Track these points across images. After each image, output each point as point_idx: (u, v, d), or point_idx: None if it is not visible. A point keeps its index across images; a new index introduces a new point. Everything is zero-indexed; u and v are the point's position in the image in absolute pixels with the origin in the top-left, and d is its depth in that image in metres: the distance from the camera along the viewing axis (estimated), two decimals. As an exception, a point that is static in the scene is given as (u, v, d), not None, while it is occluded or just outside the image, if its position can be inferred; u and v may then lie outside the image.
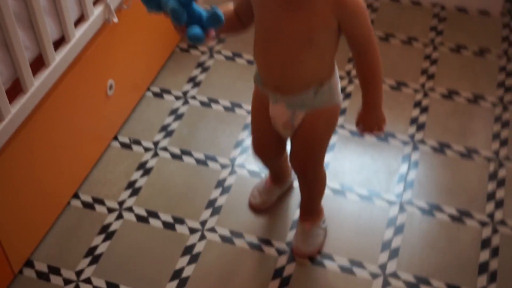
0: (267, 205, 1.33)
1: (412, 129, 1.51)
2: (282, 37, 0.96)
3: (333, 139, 1.48)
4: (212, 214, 1.33)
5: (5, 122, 1.04)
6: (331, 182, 1.38)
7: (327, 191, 1.29)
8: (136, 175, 1.41)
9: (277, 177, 1.32)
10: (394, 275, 1.21)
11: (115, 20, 1.30)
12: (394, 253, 1.25)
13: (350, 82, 1.64)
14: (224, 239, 1.28)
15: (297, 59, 0.98)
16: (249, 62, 1.71)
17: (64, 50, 1.18)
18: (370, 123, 1.05)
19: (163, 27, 1.52)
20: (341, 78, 1.65)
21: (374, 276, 1.21)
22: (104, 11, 1.28)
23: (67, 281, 1.22)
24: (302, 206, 1.25)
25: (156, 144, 1.47)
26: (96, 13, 1.26)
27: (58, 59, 1.16)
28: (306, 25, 0.94)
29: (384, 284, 1.19)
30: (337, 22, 0.95)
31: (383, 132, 1.08)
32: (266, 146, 1.17)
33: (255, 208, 1.34)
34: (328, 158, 1.43)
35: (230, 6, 1.02)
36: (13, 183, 1.12)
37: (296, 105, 1.04)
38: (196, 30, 0.87)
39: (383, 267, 1.22)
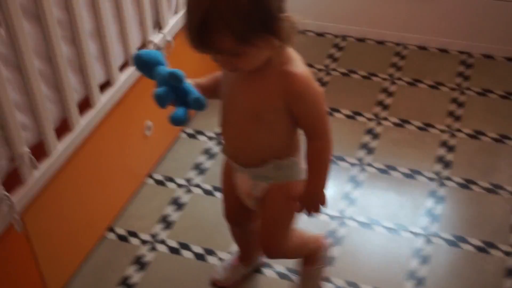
0: (229, 282, 1.30)
1: (438, 167, 1.56)
2: (236, 110, 0.98)
3: (362, 176, 1.54)
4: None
5: (53, 157, 1.13)
6: (359, 216, 1.43)
7: (353, 224, 1.34)
8: (169, 209, 1.48)
9: (244, 255, 1.29)
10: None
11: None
12: (420, 282, 1.27)
13: (379, 124, 1.72)
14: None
15: (248, 133, 0.99)
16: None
17: (109, 92, 1.29)
18: (307, 204, 1.03)
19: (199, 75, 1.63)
20: (369, 119, 1.76)
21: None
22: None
23: None
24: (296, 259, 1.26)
25: (188, 180, 1.54)
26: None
27: (103, 100, 1.26)
28: (254, 102, 0.94)
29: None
30: (284, 104, 0.93)
31: (319, 212, 1.05)
32: (233, 211, 1.16)
33: (217, 284, 1.31)
34: (357, 193, 1.49)
35: (217, 73, 1.03)
36: (56, 215, 1.20)
37: (258, 177, 1.03)
38: (179, 113, 0.90)
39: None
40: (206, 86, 1.00)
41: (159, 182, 1.55)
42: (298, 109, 0.94)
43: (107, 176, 1.37)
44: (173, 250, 1.38)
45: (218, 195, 1.50)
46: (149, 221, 1.45)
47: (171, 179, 1.56)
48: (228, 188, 1.12)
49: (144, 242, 1.40)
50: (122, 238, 1.42)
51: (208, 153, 1.64)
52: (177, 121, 0.90)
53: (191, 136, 1.71)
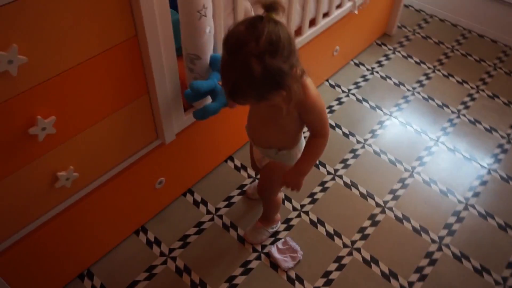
0: (254, 197, 1.90)
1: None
2: (259, 115, 1.37)
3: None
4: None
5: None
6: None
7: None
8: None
9: None
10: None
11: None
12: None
13: (509, 142, 2.20)
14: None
15: (263, 130, 1.40)
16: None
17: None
18: (289, 180, 1.39)
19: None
20: (502, 137, 2.21)
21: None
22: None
23: None
24: (263, 211, 1.78)
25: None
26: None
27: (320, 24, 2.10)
28: (277, 113, 1.27)
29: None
30: (297, 113, 1.27)
31: (295, 189, 1.41)
32: (254, 165, 1.71)
33: (247, 195, 1.92)
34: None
35: None
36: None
37: (264, 154, 1.48)
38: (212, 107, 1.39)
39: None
40: None
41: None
42: (307, 118, 1.29)
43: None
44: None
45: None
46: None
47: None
48: (251, 153, 1.66)
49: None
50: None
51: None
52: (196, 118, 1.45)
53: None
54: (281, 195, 1.72)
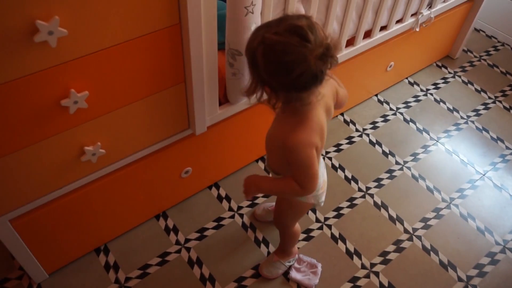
0: (263, 219, 1.80)
1: None
2: (268, 134, 1.28)
3: None
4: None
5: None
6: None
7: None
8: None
9: None
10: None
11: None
12: None
13: None
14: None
15: (267, 154, 1.32)
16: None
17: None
18: (247, 182, 1.28)
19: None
20: None
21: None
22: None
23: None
24: (279, 243, 1.66)
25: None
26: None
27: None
28: (269, 140, 1.26)
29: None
30: (283, 151, 1.17)
31: (246, 196, 1.30)
32: None
33: (255, 216, 1.82)
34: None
35: None
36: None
37: (274, 176, 1.35)
38: None
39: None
40: None
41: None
42: (289, 163, 1.18)
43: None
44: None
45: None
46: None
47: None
48: None
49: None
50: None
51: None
52: None
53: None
54: (298, 228, 1.60)
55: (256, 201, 1.89)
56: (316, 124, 1.13)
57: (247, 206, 1.87)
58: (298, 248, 1.76)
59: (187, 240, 1.75)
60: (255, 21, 1.35)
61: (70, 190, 1.39)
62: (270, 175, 1.38)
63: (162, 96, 1.35)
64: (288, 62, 0.99)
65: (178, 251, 1.72)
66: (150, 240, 1.74)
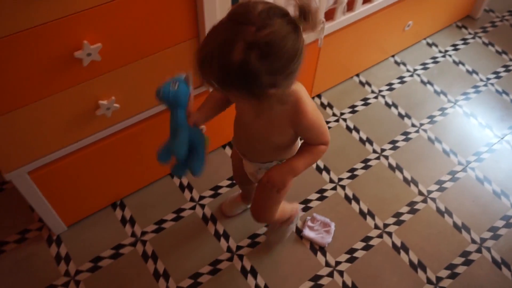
0: (231, 213, 1.71)
1: None
2: (249, 132, 1.17)
3: None
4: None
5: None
6: None
7: None
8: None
9: (245, 197, 1.68)
10: None
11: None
12: None
13: None
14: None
15: (257, 148, 1.21)
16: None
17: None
18: (277, 177, 1.12)
19: None
20: None
21: None
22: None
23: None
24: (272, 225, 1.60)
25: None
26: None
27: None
28: (267, 131, 1.13)
29: None
30: (293, 130, 1.11)
31: (276, 189, 1.14)
32: (239, 177, 1.51)
33: (222, 212, 1.72)
34: None
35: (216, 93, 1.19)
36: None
37: (262, 167, 1.26)
38: (178, 171, 1.13)
39: None
40: (208, 113, 1.18)
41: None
42: (305, 135, 1.13)
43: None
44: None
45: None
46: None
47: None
48: (236, 162, 1.44)
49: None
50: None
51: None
52: (177, 175, 1.16)
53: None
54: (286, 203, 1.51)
55: (219, 191, 1.81)
56: (305, 90, 1.10)
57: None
58: (312, 207, 1.77)
59: (201, 197, 1.77)
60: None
61: (87, 144, 1.40)
62: (260, 170, 1.28)
63: (175, 51, 1.34)
64: (292, 47, 0.89)
65: (193, 208, 1.74)
66: (165, 196, 1.77)
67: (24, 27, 1.02)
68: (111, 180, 1.61)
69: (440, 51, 2.36)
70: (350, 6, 1.80)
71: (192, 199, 1.77)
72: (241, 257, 1.63)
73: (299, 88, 1.06)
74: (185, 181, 1.81)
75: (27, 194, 1.39)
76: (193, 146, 1.10)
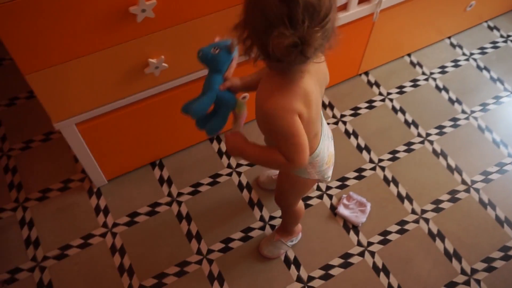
0: (266, 187, 1.70)
1: None
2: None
3: None
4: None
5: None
6: None
7: None
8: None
9: None
10: None
11: None
12: None
13: None
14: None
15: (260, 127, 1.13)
16: None
17: None
18: (231, 141, 1.10)
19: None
20: None
21: None
22: None
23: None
24: (281, 221, 1.57)
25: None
26: None
27: None
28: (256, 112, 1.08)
29: None
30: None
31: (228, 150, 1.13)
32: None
33: (258, 183, 1.72)
34: None
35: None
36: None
37: None
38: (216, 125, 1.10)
39: None
40: (247, 84, 1.15)
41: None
42: (265, 130, 1.08)
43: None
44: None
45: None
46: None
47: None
48: None
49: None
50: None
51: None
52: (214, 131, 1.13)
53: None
54: (302, 205, 1.48)
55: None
56: (300, 88, 0.97)
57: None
58: (349, 186, 1.75)
59: (238, 165, 1.78)
60: None
61: (133, 102, 1.42)
62: None
63: (230, 13, 1.31)
64: (259, 24, 0.84)
65: (229, 174, 1.75)
66: (203, 160, 1.78)
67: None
68: (152, 139, 1.63)
69: (501, 36, 2.22)
70: (411, -20, 1.72)
71: (229, 166, 1.77)
72: (272, 227, 1.64)
73: (294, 81, 0.96)
74: (224, 147, 1.81)
75: (74, 144, 1.43)
76: (219, 107, 1.10)
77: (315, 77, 1.02)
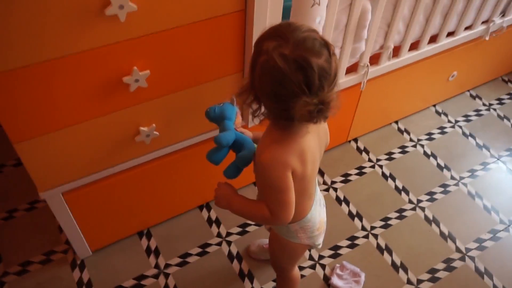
0: (257, 256, 1.65)
1: None
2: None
3: None
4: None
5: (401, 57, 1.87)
6: None
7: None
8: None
9: None
10: None
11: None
12: None
13: None
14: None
15: (259, 188, 1.19)
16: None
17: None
18: (219, 193, 1.12)
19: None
20: None
21: None
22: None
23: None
24: (276, 286, 1.54)
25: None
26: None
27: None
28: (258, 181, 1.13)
29: None
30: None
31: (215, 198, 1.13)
32: None
33: (248, 252, 1.67)
34: None
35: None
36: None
37: None
38: (229, 171, 1.13)
39: None
40: (256, 135, 1.21)
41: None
42: (258, 182, 1.12)
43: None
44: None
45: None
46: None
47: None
48: None
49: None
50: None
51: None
52: (228, 177, 1.14)
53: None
54: (297, 273, 1.43)
55: (247, 229, 1.76)
56: (297, 144, 1.00)
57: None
58: (342, 254, 1.70)
59: (228, 234, 1.72)
60: (320, 14, 1.32)
61: (122, 170, 1.39)
62: None
63: (219, 84, 1.34)
64: (279, 94, 0.90)
65: (219, 244, 1.70)
66: (192, 229, 1.73)
67: (81, 49, 1.04)
68: (141, 207, 1.59)
69: (484, 104, 2.30)
70: (396, 52, 1.79)
71: (219, 235, 1.72)
72: (265, 301, 1.57)
73: (293, 137, 0.99)
74: (213, 215, 1.77)
75: (59, 214, 1.38)
76: (241, 144, 1.13)
77: (316, 135, 1.06)
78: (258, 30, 1.23)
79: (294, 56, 0.86)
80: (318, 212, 1.19)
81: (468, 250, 1.74)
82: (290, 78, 0.87)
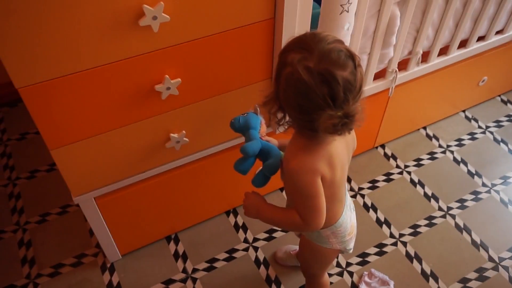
0: (284, 263, 1.64)
1: None
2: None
3: None
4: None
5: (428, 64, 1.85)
6: None
7: None
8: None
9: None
10: None
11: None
12: None
13: None
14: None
15: (288, 196, 1.19)
16: None
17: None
18: (249, 203, 1.14)
19: None
20: None
21: None
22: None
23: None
24: None
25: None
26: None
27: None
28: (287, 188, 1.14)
29: None
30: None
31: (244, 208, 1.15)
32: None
33: (275, 259, 1.66)
34: None
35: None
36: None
37: None
38: (256, 180, 1.13)
39: None
40: (282, 143, 1.22)
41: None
42: (288, 188, 1.10)
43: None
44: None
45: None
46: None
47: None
48: None
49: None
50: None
51: None
52: (256, 186, 1.14)
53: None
54: (327, 279, 1.43)
55: (274, 234, 1.76)
56: (324, 150, 1.00)
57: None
58: (370, 262, 1.68)
59: (255, 239, 1.73)
60: (349, 21, 1.32)
61: (152, 175, 1.42)
62: None
63: (249, 90, 1.35)
64: (304, 106, 0.91)
65: (246, 249, 1.70)
66: (219, 235, 1.74)
67: (116, 58, 1.06)
68: (169, 212, 1.61)
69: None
70: (425, 58, 1.77)
71: (246, 240, 1.73)
72: (292, 307, 1.56)
73: (320, 143, 0.99)
74: (240, 221, 1.78)
75: (91, 218, 1.41)
76: (268, 152, 1.14)
77: (343, 140, 1.06)
78: (286, 37, 1.23)
79: (318, 69, 0.87)
80: (348, 216, 1.19)
81: (501, 259, 1.70)
82: (314, 91, 0.87)
